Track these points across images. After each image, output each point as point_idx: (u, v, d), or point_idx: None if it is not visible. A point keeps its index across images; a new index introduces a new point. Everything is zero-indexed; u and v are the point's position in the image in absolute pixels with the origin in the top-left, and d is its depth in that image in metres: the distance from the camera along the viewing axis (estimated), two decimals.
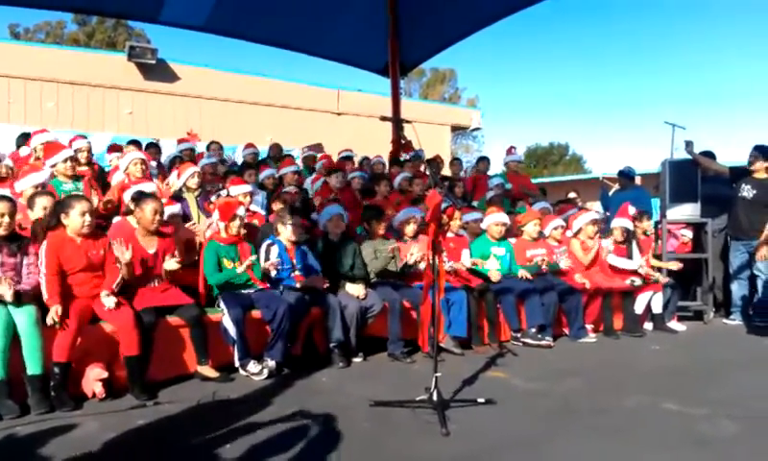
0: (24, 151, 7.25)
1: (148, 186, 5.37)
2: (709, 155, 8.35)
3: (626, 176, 9.63)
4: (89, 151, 6.97)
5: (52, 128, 8.90)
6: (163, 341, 4.67)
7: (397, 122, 10.22)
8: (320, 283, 5.48)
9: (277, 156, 10.02)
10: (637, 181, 10.96)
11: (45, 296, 4.21)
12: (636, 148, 60.53)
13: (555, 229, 7.24)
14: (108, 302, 4.31)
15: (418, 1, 10.07)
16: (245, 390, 4.51)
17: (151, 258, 4.90)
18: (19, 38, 30.11)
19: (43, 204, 4.72)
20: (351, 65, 12.31)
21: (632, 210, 7.61)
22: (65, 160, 5.94)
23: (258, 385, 4.68)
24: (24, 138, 7.60)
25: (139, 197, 5.11)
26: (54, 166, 5.91)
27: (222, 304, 5.02)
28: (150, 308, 4.60)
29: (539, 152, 45.22)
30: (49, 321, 4.08)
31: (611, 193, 10.01)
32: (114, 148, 8.13)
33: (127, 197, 5.32)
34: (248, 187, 6.54)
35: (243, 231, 5.48)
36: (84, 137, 7.25)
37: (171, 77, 14.36)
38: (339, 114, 16.59)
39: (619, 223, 7.45)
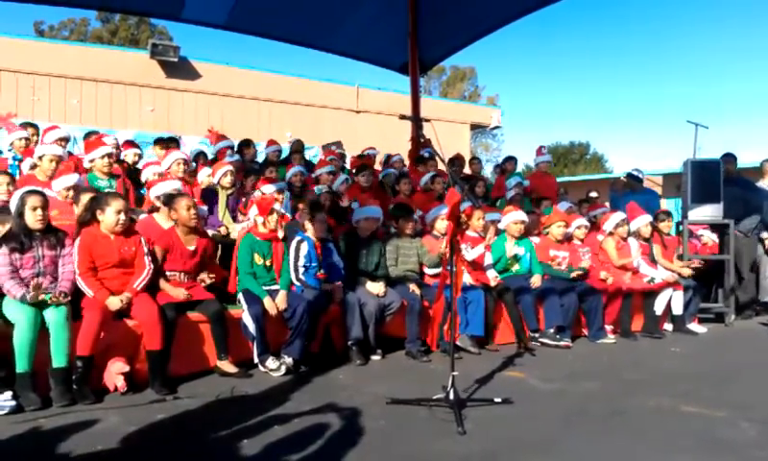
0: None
1: (173, 184, 5.43)
2: (731, 157, 8.24)
3: (635, 178, 9.59)
4: (118, 148, 7.07)
5: (76, 125, 9.05)
6: (184, 336, 4.74)
7: (416, 121, 10.19)
8: (338, 294, 5.51)
9: (300, 151, 10.01)
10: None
11: (90, 294, 4.34)
12: (658, 147, 60.05)
13: (578, 228, 7.20)
14: (113, 303, 4.37)
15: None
16: (263, 386, 4.55)
17: (189, 255, 5.02)
18: (44, 36, 30.58)
19: (86, 201, 4.81)
20: (371, 63, 12.28)
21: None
22: (103, 157, 6.06)
23: (276, 382, 4.72)
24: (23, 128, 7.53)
25: (170, 198, 5.21)
26: (92, 162, 6.03)
27: (242, 301, 5.07)
28: (172, 304, 4.69)
29: (559, 151, 44.87)
30: (116, 308, 4.34)
31: (620, 195, 9.91)
32: (129, 144, 8.15)
33: (152, 195, 5.39)
34: (274, 186, 6.56)
35: (281, 234, 5.52)
36: (111, 135, 7.37)
37: (193, 74, 14.48)
38: (358, 112, 16.61)
39: (645, 219, 7.43)
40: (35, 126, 7.72)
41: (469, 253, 6.24)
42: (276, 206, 5.45)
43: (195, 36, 59.99)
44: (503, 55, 66.73)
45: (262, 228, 5.36)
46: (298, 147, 9.90)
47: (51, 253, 4.31)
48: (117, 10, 20.15)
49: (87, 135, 7.55)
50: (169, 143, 8.27)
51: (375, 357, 5.55)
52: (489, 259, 6.54)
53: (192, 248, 5.03)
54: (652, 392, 4.56)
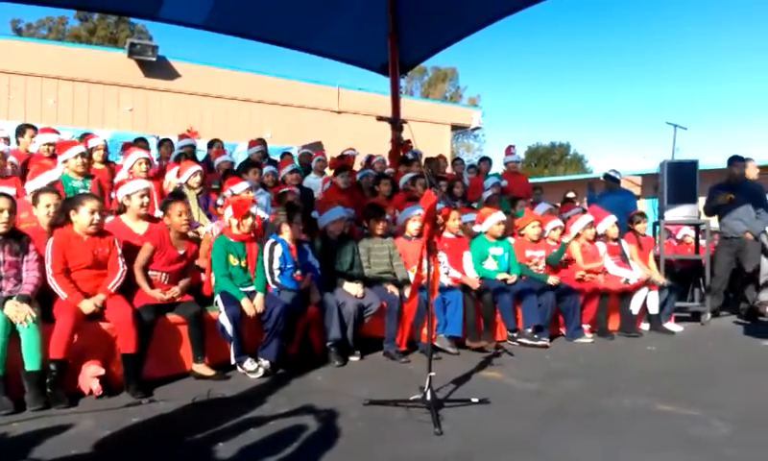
0: (33, 147, 7.24)
1: (141, 184, 5.37)
2: (739, 159, 8.26)
3: (612, 179, 9.71)
4: (105, 149, 6.99)
5: (52, 125, 8.93)
6: (161, 338, 4.68)
7: (393, 122, 10.21)
8: (315, 296, 5.49)
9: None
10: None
11: (63, 296, 4.28)
12: (637, 148, 60.63)
13: (554, 229, 7.25)
14: (86, 307, 4.31)
15: (417, 0, 10.04)
16: (240, 389, 4.52)
17: (177, 258, 4.98)
18: (21, 34, 30.18)
19: (47, 201, 4.69)
20: (351, 64, 12.29)
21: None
22: (76, 157, 5.98)
23: (253, 384, 4.69)
24: (22, 130, 7.57)
25: (165, 203, 5.19)
26: (65, 162, 5.95)
27: (219, 302, 5.03)
28: (150, 306, 4.63)
29: (540, 151, 45.24)
30: (90, 311, 4.28)
31: (597, 195, 10.01)
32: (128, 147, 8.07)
33: (120, 195, 5.33)
34: (246, 184, 6.54)
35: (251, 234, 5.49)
36: (97, 136, 7.32)
37: (171, 74, 14.38)
38: (339, 113, 16.60)
39: (610, 220, 7.50)
40: (34, 128, 7.64)
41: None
42: (253, 209, 5.41)
43: (175, 36, 59.69)
44: (485, 56, 67.32)
45: (236, 229, 5.33)
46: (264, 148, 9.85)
47: (12, 258, 4.20)
48: (94, 9, 19.98)
49: (82, 137, 7.51)
50: (137, 144, 8.15)
51: (354, 358, 5.53)
52: (468, 261, 6.56)
53: (182, 252, 5.01)
54: (628, 391, 4.60)
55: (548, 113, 72.86)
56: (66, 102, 13.19)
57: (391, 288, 5.87)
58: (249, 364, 4.87)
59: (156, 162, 7.80)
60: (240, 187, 6.37)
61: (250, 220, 5.31)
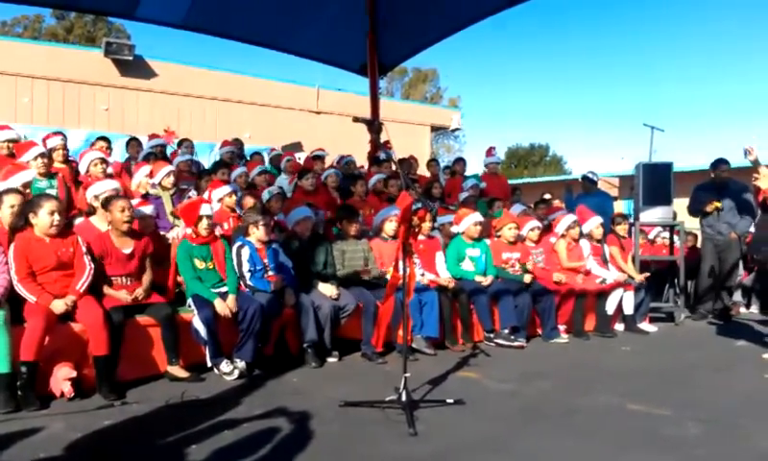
0: None
1: (109, 185, 5.29)
2: (723, 162, 8.36)
3: (589, 180, 9.79)
4: (65, 148, 6.89)
5: (26, 124, 8.81)
6: (133, 340, 4.64)
7: (370, 123, 10.20)
8: (290, 298, 5.43)
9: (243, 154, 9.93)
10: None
11: (32, 299, 4.21)
12: (616, 149, 61.23)
13: (531, 230, 7.28)
14: (58, 306, 4.25)
15: (395, 1, 10.06)
16: (215, 390, 4.49)
17: (125, 258, 4.87)
18: None
19: (11, 202, 4.57)
20: (330, 64, 12.26)
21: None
22: (36, 158, 5.87)
23: (228, 385, 4.66)
24: None
25: (107, 199, 5.05)
26: (27, 164, 5.85)
27: (192, 305, 4.99)
28: (119, 307, 4.57)
29: (519, 152, 45.50)
30: (61, 311, 4.24)
31: (574, 197, 10.11)
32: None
33: (89, 196, 5.24)
34: (228, 188, 6.49)
35: (219, 232, 5.43)
36: (60, 134, 7.18)
37: (148, 73, 14.22)
38: (318, 113, 16.54)
39: (596, 221, 7.56)
40: None
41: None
42: (206, 210, 5.29)
43: (154, 35, 59.15)
44: (465, 57, 67.43)
45: (194, 234, 5.26)
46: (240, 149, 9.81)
47: None
48: (70, 8, 19.74)
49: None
50: (97, 143, 8.02)
51: (332, 359, 5.52)
52: (441, 261, 6.57)
53: (128, 251, 4.88)
54: (602, 391, 4.65)
55: (528, 115, 73.44)
56: (41, 101, 12.99)
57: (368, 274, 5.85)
58: (224, 366, 4.84)
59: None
60: (222, 191, 6.34)
61: (204, 222, 5.23)
